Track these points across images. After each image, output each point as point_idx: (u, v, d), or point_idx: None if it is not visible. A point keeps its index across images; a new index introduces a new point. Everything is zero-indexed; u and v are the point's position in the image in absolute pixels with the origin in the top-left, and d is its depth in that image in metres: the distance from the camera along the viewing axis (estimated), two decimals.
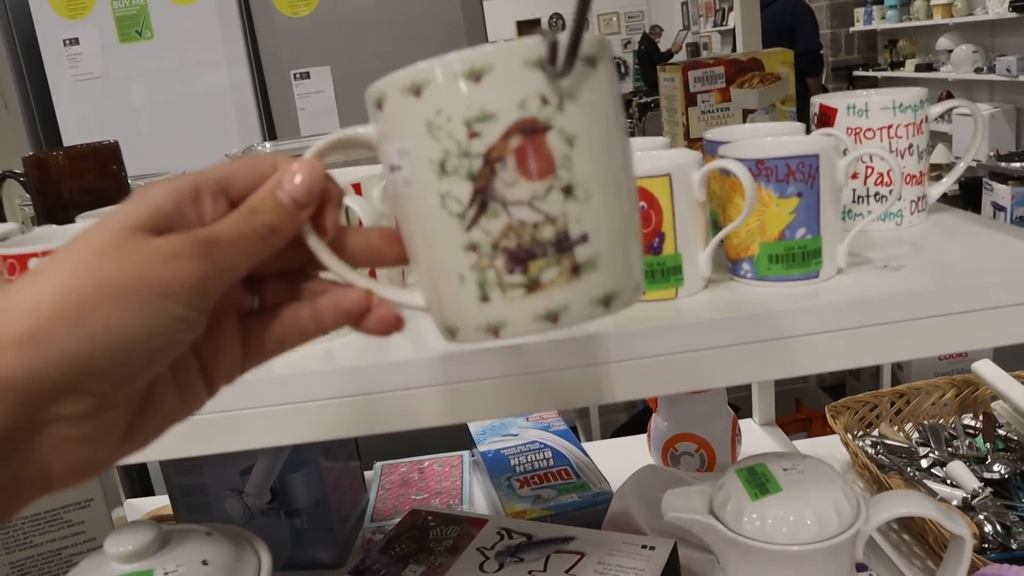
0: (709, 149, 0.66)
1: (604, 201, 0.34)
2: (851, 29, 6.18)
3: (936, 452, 1.14)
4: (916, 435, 1.24)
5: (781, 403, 2.86)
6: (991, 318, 0.55)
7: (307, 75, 2.25)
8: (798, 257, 0.56)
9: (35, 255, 0.52)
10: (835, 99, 0.69)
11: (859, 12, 6.08)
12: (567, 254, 0.34)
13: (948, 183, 0.71)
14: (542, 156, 0.33)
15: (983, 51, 4.91)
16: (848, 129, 0.67)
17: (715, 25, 8.22)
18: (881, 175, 0.67)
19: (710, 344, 0.54)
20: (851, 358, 0.55)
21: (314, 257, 0.37)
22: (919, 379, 1.63)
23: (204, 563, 0.61)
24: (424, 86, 0.33)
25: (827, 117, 0.69)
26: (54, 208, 0.81)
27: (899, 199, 0.68)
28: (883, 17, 5.86)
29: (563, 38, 0.32)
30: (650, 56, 6.89)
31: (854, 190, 0.68)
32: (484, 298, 0.34)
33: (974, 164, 4.77)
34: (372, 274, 0.68)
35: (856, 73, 6.08)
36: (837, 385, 2.85)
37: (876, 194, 0.67)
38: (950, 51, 5.16)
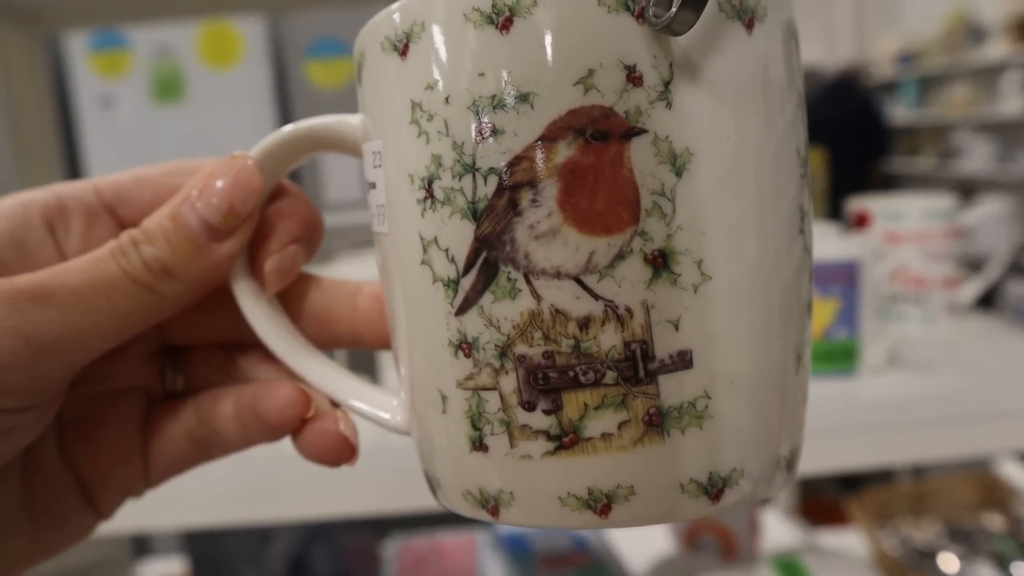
0: None
1: (739, 290, 0.18)
2: None
3: (960, 552, 1.13)
4: (938, 530, 1.22)
5: (791, 491, 2.81)
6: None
7: None
8: (837, 355, 0.57)
9: None
10: (872, 204, 0.70)
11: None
12: (643, 386, 0.18)
13: (978, 288, 0.72)
14: (617, 186, 0.17)
15: (1000, 147, 4.98)
16: (885, 233, 0.69)
17: None
18: (915, 278, 0.68)
19: None
20: (886, 455, 0.55)
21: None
22: (936, 473, 1.62)
23: None
24: (414, 36, 0.19)
25: (863, 220, 0.71)
26: None
27: (935, 304, 0.69)
28: (901, 109, 5.97)
29: None
30: None
31: (890, 291, 0.70)
32: (477, 444, 0.20)
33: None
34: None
35: (888, 171, 6.16)
36: (854, 478, 2.82)
37: (909, 296, 0.68)
38: (967, 146, 5.24)
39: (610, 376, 0.18)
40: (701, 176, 0.18)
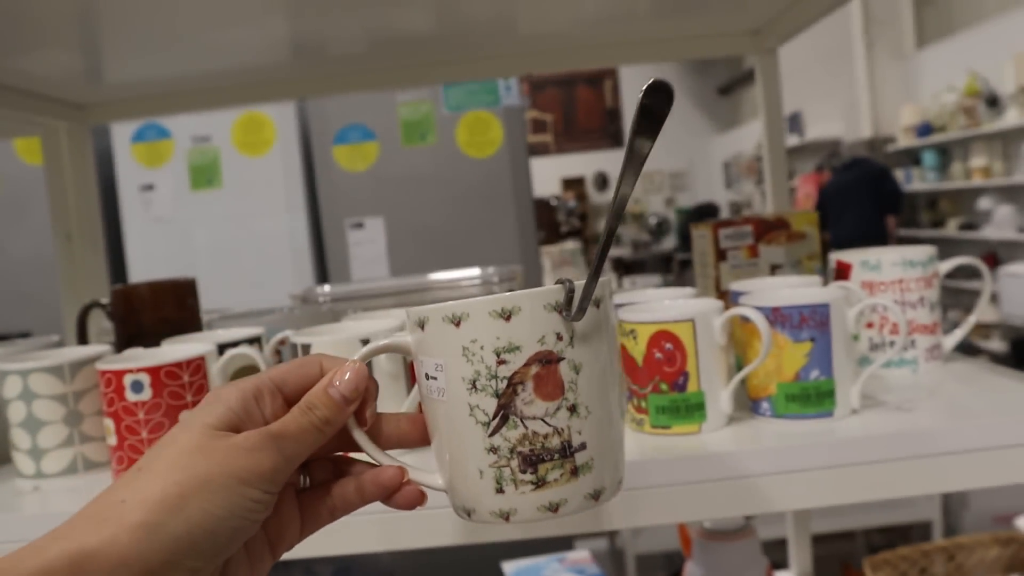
0: (733, 299, 0.72)
1: (600, 416, 0.42)
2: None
3: None
4: None
5: (827, 567, 2.76)
6: (1000, 457, 0.58)
7: (361, 225, 2.39)
8: (813, 397, 0.61)
9: (130, 371, 0.59)
10: (850, 255, 0.75)
11: (899, 173, 6.24)
12: (569, 459, 0.41)
13: (961, 335, 0.75)
14: (554, 381, 0.41)
15: (1022, 211, 4.98)
16: (863, 283, 0.73)
17: (756, 183, 8.47)
18: (895, 324, 0.71)
19: (730, 474, 0.58)
20: (864, 492, 0.58)
21: (350, 441, 0.44)
22: (965, 533, 1.60)
23: None
24: (464, 319, 0.40)
25: (843, 271, 0.75)
26: (134, 336, 0.88)
27: (906, 347, 0.72)
28: (922, 179, 6.01)
29: (578, 287, 0.41)
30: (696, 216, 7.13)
31: (871, 338, 0.73)
32: (499, 490, 0.42)
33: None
34: None
35: (899, 232, 6.18)
36: (886, 546, 2.76)
37: (892, 342, 0.72)
38: (990, 211, 5.25)
39: (556, 456, 0.42)
40: (585, 373, 0.42)
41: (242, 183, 2.47)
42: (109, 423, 0.61)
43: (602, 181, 9.84)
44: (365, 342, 0.60)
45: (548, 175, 9.63)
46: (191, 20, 0.87)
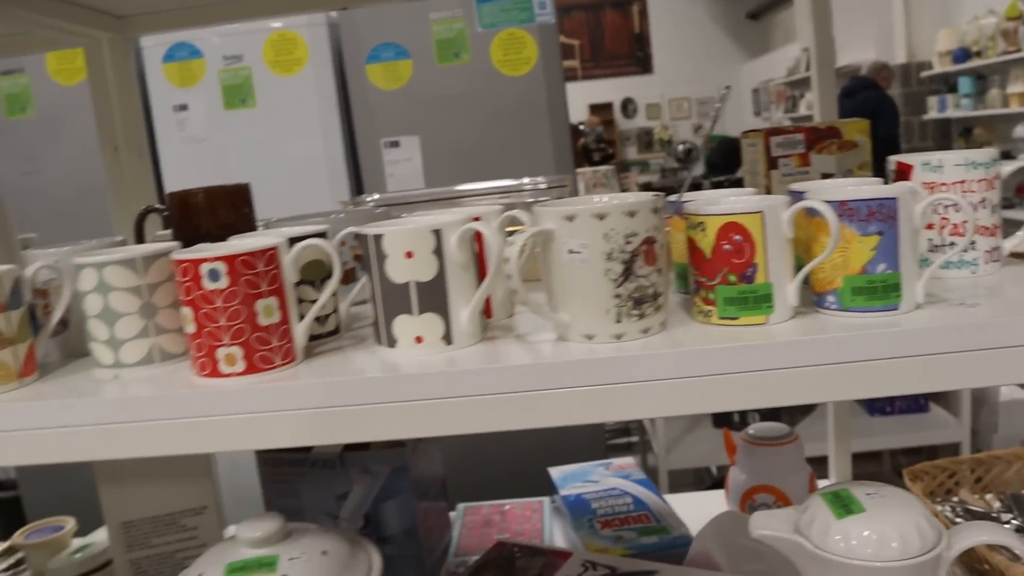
0: (793, 199, 0.72)
1: (666, 276, 0.65)
2: (924, 117, 6.18)
3: (1019, 520, 1.14)
4: (997, 504, 1.23)
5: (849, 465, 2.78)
6: None
7: (397, 144, 2.39)
8: (879, 290, 0.61)
9: (207, 259, 0.61)
10: (911, 157, 0.74)
11: (932, 100, 6.10)
12: (656, 300, 0.63)
13: (1019, 240, 0.75)
14: (653, 254, 0.62)
15: None
16: (923, 184, 0.73)
17: (786, 112, 8.31)
18: (956, 226, 0.71)
19: (796, 363, 0.59)
20: (928, 382, 0.59)
21: None
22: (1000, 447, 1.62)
23: (324, 553, 0.67)
24: (606, 215, 0.60)
25: (904, 173, 0.74)
26: (192, 240, 0.90)
27: (972, 245, 0.72)
28: (957, 106, 5.86)
29: (671, 198, 0.68)
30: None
31: (931, 239, 0.73)
32: (618, 321, 0.62)
33: None
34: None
35: None
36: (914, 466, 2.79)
37: (952, 244, 0.72)
38: None
39: (650, 299, 0.63)
40: (663, 250, 0.65)
41: (275, 103, 2.46)
42: (187, 311, 0.62)
43: (629, 107, 9.69)
44: (436, 232, 0.62)
45: (575, 101, 9.47)
46: None
